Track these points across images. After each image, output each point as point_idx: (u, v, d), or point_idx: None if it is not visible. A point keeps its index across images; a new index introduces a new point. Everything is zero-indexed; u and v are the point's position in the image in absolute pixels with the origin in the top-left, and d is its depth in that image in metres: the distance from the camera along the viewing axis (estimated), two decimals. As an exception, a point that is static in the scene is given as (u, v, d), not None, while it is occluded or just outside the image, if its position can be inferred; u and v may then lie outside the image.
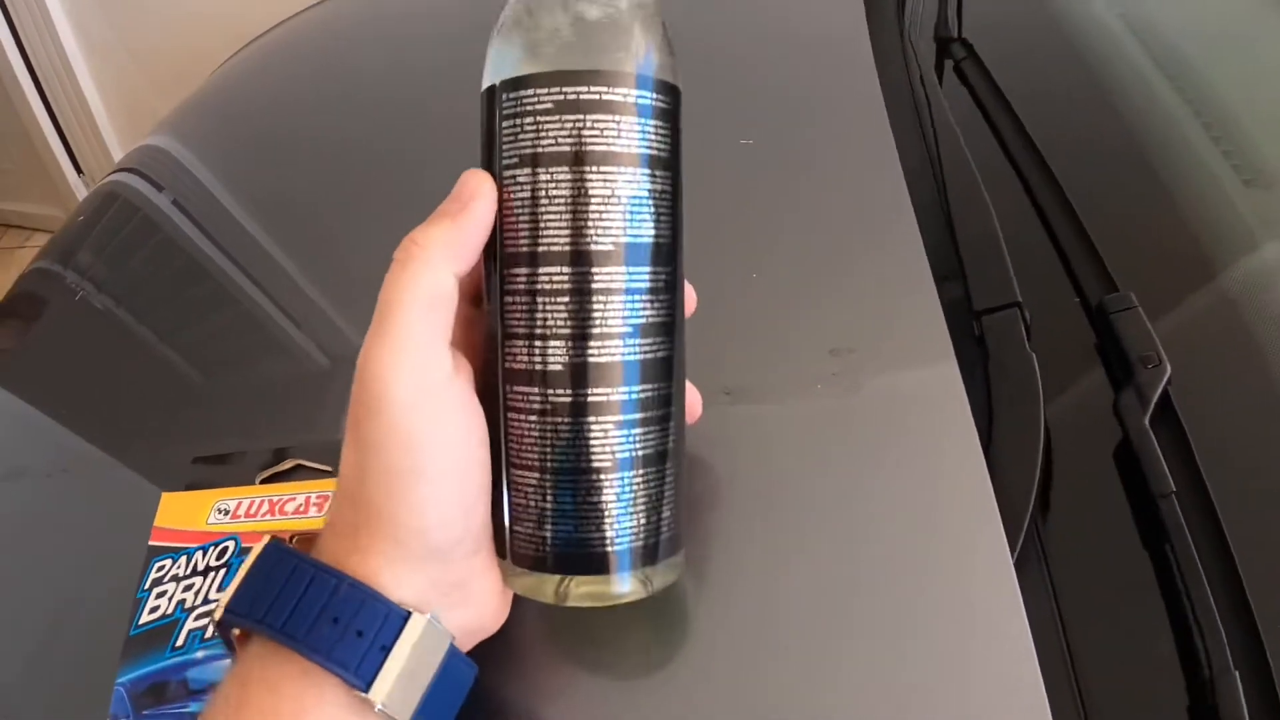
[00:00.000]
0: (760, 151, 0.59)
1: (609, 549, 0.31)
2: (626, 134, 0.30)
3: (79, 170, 2.28)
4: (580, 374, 0.31)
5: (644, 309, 0.31)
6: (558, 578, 0.32)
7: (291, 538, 0.32)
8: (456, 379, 0.31)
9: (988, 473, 0.38)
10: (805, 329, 0.41)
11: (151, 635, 0.43)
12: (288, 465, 0.49)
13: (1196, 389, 0.43)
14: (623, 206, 0.30)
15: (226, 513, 0.47)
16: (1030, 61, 0.74)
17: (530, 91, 0.30)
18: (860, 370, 0.44)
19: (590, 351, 0.31)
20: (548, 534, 0.31)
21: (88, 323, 0.66)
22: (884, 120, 0.59)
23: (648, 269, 0.31)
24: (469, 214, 0.31)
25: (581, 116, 0.30)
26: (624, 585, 0.32)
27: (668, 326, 0.32)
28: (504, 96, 0.31)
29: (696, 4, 0.75)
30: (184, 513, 0.48)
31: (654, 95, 0.31)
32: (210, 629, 0.41)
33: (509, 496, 0.32)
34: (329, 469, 0.48)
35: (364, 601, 0.29)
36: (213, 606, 0.43)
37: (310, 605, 0.29)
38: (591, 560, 0.31)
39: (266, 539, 0.31)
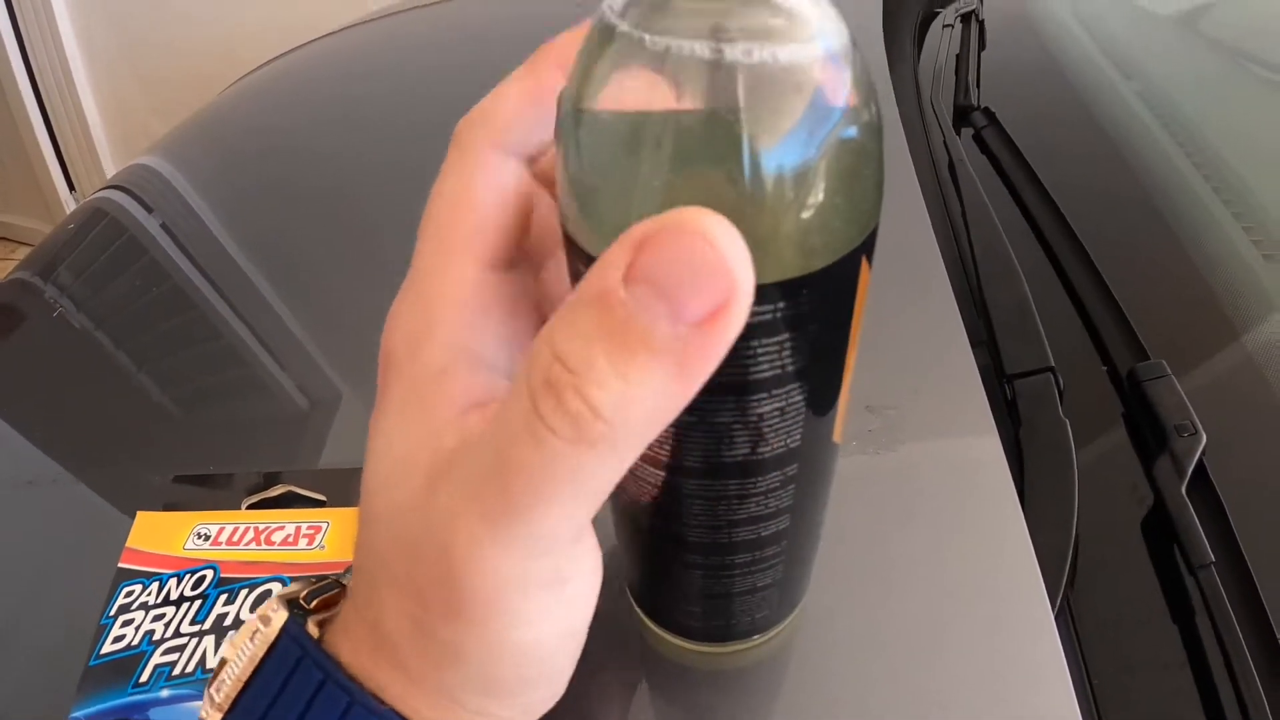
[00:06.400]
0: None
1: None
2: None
3: (71, 186, 2.27)
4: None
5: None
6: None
7: (308, 596, 0.24)
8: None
9: (1027, 531, 0.37)
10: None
11: (113, 667, 0.39)
12: (278, 491, 0.46)
13: (1225, 458, 0.43)
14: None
15: (207, 538, 0.44)
16: (1050, 134, 0.75)
17: None
18: (898, 427, 0.43)
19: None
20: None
21: (64, 339, 0.64)
22: (914, 183, 0.59)
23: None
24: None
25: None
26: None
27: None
28: None
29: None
30: (160, 535, 0.44)
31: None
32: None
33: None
34: (322, 498, 0.46)
35: None
36: (185, 641, 0.39)
37: None
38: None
39: (281, 618, 0.22)
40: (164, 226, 0.76)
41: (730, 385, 0.21)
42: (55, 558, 0.46)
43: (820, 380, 0.22)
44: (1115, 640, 0.39)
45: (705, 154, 0.18)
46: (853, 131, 0.18)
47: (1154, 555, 0.41)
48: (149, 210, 0.79)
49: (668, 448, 0.23)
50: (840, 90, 0.18)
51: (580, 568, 0.21)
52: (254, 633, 0.22)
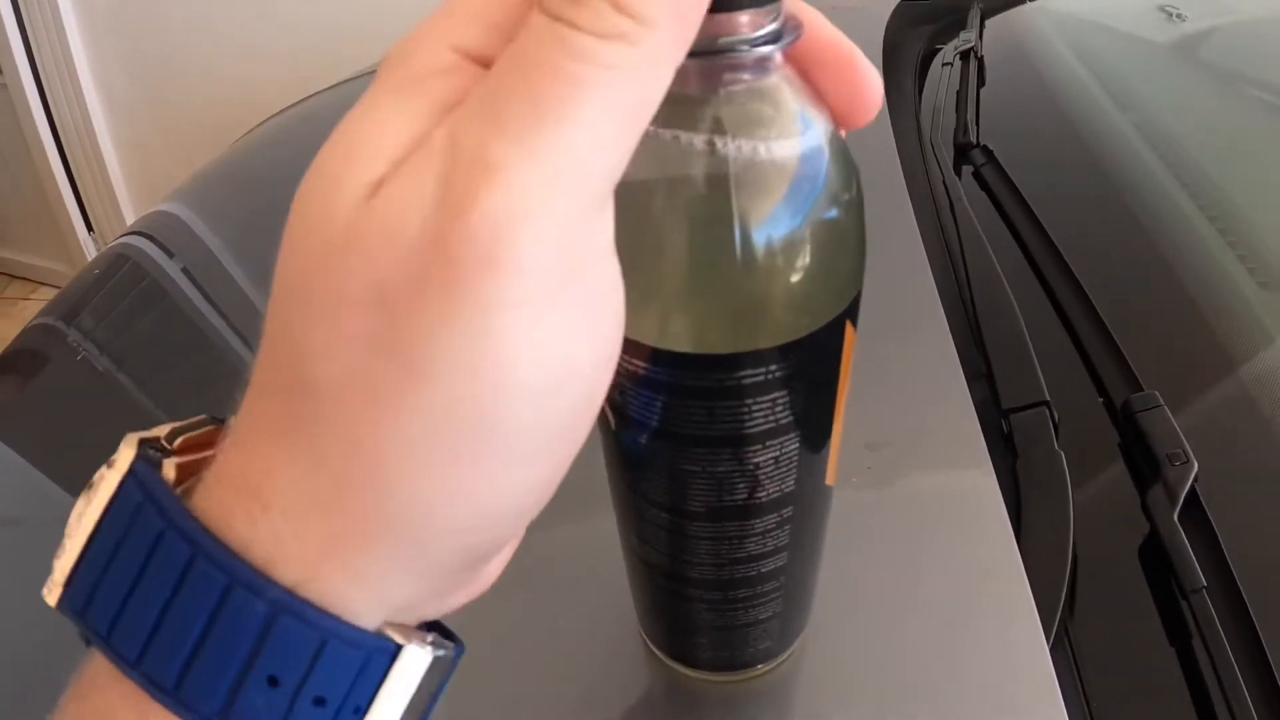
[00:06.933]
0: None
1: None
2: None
3: (90, 228, 2.30)
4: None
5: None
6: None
7: (170, 436, 0.19)
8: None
9: (1022, 564, 0.39)
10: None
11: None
12: None
13: (1220, 485, 0.44)
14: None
15: None
16: (1048, 168, 0.76)
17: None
18: (895, 464, 0.45)
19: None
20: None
21: (87, 381, 0.66)
22: (911, 222, 0.61)
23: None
24: None
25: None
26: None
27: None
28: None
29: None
30: None
31: None
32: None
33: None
34: None
35: (325, 642, 0.16)
36: None
37: (226, 651, 0.16)
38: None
39: (128, 458, 0.17)
40: (185, 271, 0.77)
41: (728, 438, 0.23)
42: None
43: (811, 432, 0.24)
44: (1114, 665, 0.40)
45: (704, 231, 0.20)
46: (833, 213, 0.20)
47: (1150, 581, 0.42)
48: (170, 255, 0.80)
49: (674, 494, 0.25)
50: (821, 178, 0.20)
51: (602, 249, 0.17)
52: (100, 479, 0.17)
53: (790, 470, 0.24)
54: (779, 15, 0.19)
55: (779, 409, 0.22)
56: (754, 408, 0.22)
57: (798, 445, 0.24)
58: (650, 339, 0.21)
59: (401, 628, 0.17)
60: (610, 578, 0.36)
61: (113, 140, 2.22)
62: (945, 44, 1.01)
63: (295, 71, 1.57)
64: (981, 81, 0.91)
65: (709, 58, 0.19)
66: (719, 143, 0.19)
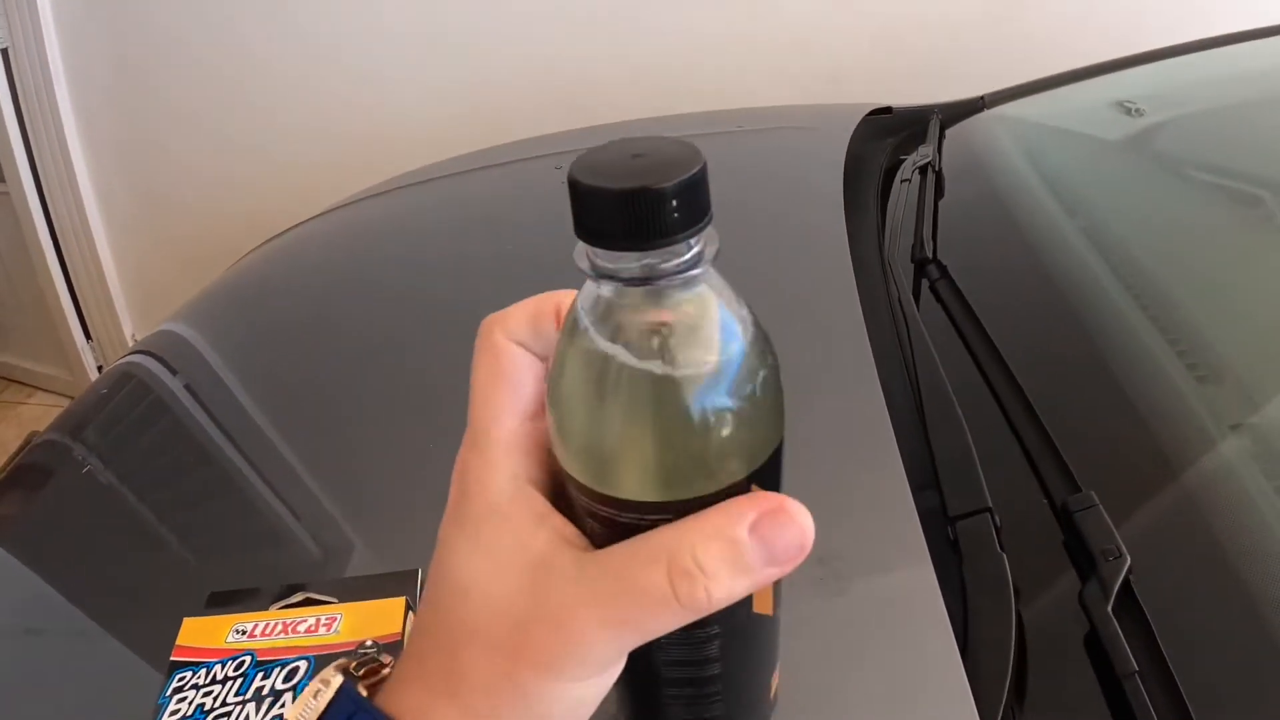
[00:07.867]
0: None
1: None
2: None
3: (88, 336, 2.34)
4: None
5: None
6: None
7: (356, 667, 0.31)
8: None
9: (962, 665, 0.43)
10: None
11: (172, 734, 0.47)
12: (298, 598, 0.55)
13: (1159, 577, 0.48)
14: None
15: (244, 632, 0.53)
16: (997, 277, 0.81)
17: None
18: (846, 576, 0.49)
19: None
20: None
21: (94, 494, 0.70)
22: (864, 339, 0.66)
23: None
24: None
25: None
26: None
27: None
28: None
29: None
30: (204, 634, 0.53)
31: None
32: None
33: None
34: (333, 599, 0.54)
35: None
36: (231, 709, 0.48)
37: None
38: None
39: (338, 681, 0.30)
40: (188, 388, 0.82)
41: None
42: (107, 676, 0.53)
43: None
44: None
45: (638, 414, 0.25)
46: (742, 397, 0.26)
47: (1095, 669, 0.46)
48: (174, 373, 0.85)
49: None
50: (736, 363, 0.25)
51: (621, 663, 0.29)
52: (316, 692, 0.29)
53: None
54: (703, 239, 0.24)
55: None
56: None
57: None
58: (588, 481, 0.26)
59: None
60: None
61: (112, 251, 2.27)
62: (909, 154, 1.05)
63: (295, 193, 1.63)
64: (940, 193, 0.95)
65: (649, 284, 0.24)
66: (653, 339, 0.24)
